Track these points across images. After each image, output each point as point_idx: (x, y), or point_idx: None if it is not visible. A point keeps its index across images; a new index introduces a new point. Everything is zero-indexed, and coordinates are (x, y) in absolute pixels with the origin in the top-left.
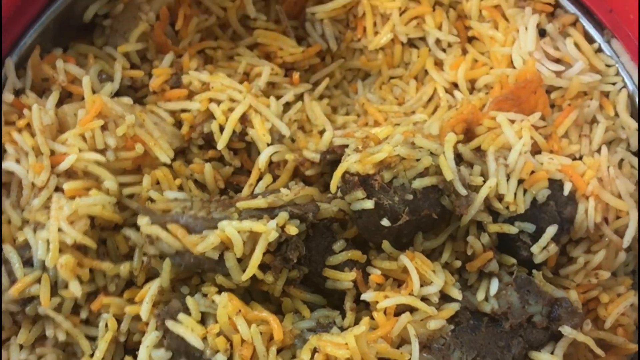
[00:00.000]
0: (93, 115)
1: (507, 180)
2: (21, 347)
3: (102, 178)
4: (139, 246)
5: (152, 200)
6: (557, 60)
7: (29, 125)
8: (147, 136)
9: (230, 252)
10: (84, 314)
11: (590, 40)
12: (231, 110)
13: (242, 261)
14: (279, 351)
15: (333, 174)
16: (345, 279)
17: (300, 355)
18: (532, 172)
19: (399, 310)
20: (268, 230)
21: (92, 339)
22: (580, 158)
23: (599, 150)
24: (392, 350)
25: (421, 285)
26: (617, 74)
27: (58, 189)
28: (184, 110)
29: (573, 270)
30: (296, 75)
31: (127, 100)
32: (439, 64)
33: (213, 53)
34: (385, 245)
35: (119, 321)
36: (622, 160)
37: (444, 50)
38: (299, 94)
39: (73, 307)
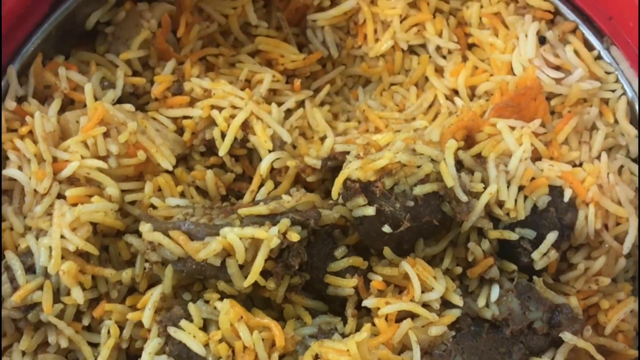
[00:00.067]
0: (95, 122)
1: (508, 186)
2: (23, 353)
3: (104, 185)
4: (141, 253)
5: (154, 207)
6: (557, 68)
7: (31, 133)
8: (149, 143)
9: (232, 258)
10: (86, 321)
11: (589, 47)
12: (233, 117)
13: (244, 268)
14: (280, 357)
15: (334, 181)
16: (347, 285)
17: None
18: (533, 178)
19: (400, 316)
20: (270, 236)
21: (95, 346)
22: (580, 165)
23: (598, 157)
24: (393, 357)
25: (422, 292)
26: (617, 81)
27: (60, 195)
28: (185, 117)
29: (573, 276)
30: (297, 82)
31: (129, 107)
32: (439, 71)
33: (215, 60)
34: (387, 251)
35: (121, 328)
36: (621, 167)
37: (444, 57)
38: (300, 101)
39: (75, 314)
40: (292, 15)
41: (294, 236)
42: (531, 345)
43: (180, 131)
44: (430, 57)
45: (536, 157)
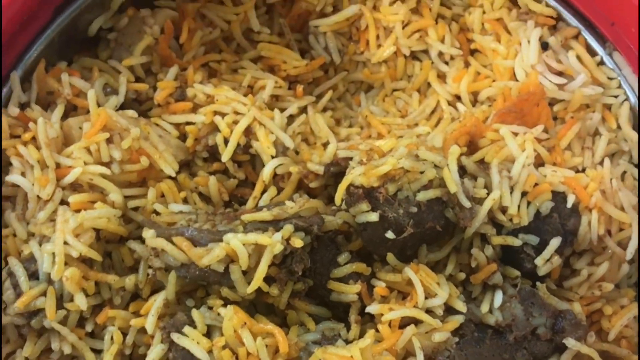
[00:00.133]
0: (98, 128)
1: (511, 192)
2: None
3: (107, 191)
4: (144, 259)
5: (157, 213)
6: (560, 73)
7: (34, 139)
8: (152, 149)
9: (235, 264)
10: (89, 327)
11: (592, 53)
12: (235, 122)
13: (247, 274)
14: None
15: (337, 187)
16: (350, 291)
17: None
18: (536, 184)
19: (404, 322)
20: (273, 242)
21: (98, 352)
22: (583, 170)
23: (601, 163)
24: None
25: (426, 298)
26: (619, 86)
27: (63, 202)
28: (188, 123)
29: (576, 282)
30: (300, 88)
31: (131, 113)
32: (441, 77)
33: (217, 66)
34: (390, 257)
35: (125, 334)
36: (624, 172)
37: (446, 63)
38: (303, 107)
39: (78, 320)
40: (295, 21)
41: (298, 242)
42: (535, 352)
43: (183, 137)
44: (432, 63)
45: (539, 162)
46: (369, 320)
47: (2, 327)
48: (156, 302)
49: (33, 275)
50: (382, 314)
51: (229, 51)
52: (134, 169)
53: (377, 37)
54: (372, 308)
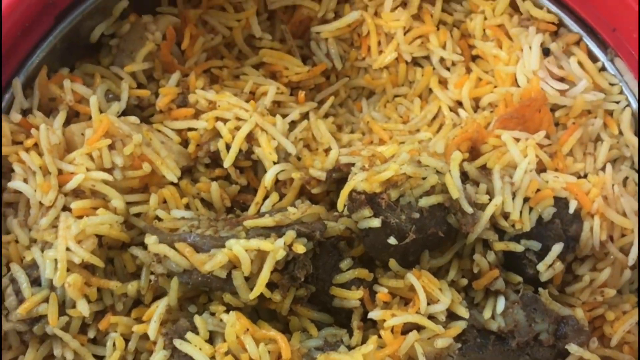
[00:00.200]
0: (100, 134)
1: (513, 198)
2: None
3: (109, 197)
4: (147, 265)
5: (159, 219)
6: (561, 79)
7: (36, 145)
8: (154, 155)
9: (238, 270)
10: (91, 333)
11: (593, 59)
12: (237, 128)
13: (250, 280)
14: None
15: (339, 193)
16: (353, 297)
17: None
18: (538, 190)
19: (406, 328)
20: (276, 248)
21: (100, 358)
22: (585, 176)
23: (603, 169)
24: None
25: (428, 304)
26: (621, 92)
27: (66, 208)
28: (190, 129)
29: (579, 288)
30: (302, 94)
31: (134, 119)
32: (443, 83)
33: (219, 72)
34: (392, 263)
35: (127, 340)
36: (626, 178)
37: (448, 69)
38: (305, 113)
39: (81, 327)
40: (296, 28)
41: (300, 248)
42: (537, 357)
43: (185, 143)
44: (434, 68)
45: (541, 168)
46: (371, 326)
47: (5, 333)
48: (158, 309)
49: (35, 282)
50: (384, 320)
51: (231, 57)
52: (136, 175)
53: (379, 43)
54: (375, 314)
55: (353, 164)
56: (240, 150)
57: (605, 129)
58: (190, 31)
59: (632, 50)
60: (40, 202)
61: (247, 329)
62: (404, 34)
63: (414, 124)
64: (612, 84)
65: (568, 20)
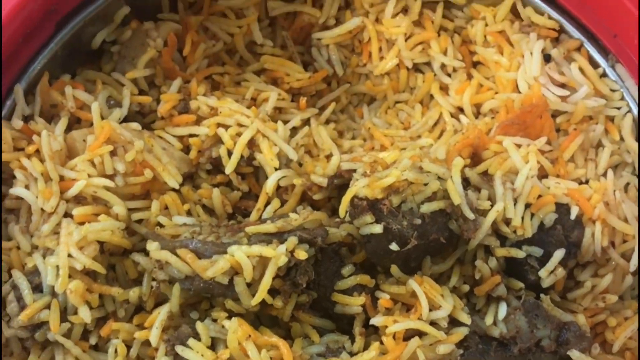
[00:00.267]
0: (102, 141)
1: (515, 204)
2: None
3: (111, 203)
4: (148, 271)
5: (161, 225)
6: (562, 85)
7: (38, 152)
8: (156, 161)
9: (239, 276)
10: (93, 340)
11: (594, 65)
12: (239, 135)
13: (252, 286)
14: None
15: (341, 199)
16: (354, 303)
17: None
18: (539, 196)
19: (408, 334)
20: (278, 254)
21: None
22: (587, 182)
23: (604, 174)
24: None
25: (430, 310)
26: (622, 98)
27: (67, 214)
28: (192, 135)
29: (580, 294)
30: (303, 100)
31: (135, 125)
32: (444, 89)
33: (220, 79)
34: (394, 269)
35: (129, 347)
36: (627, 184)
37: (449, 75)
38: (306, 119)
39: (82, 333)
40: (297, 34)
41: (302, 254)
42: None
43: (186, 149)
44: (435, 75)
45: (542, 174)
46: (373, 333)
47: (6, 340)
48: (160, 315)
49: (37, 288)
50: (386, 326)
51: (232, 64)
52: (138, 181)
53: (380, 49)
54: (377, 320)
55: (354, 170)
56: (241, 157)
57: (607, 135)
58: (192, 38)
59: (633, 56)
60: (41, 209)
61: (249, 335)
62: (405, 40)
63: (415, 130)
64: (613, 90)
65: (569, 27)
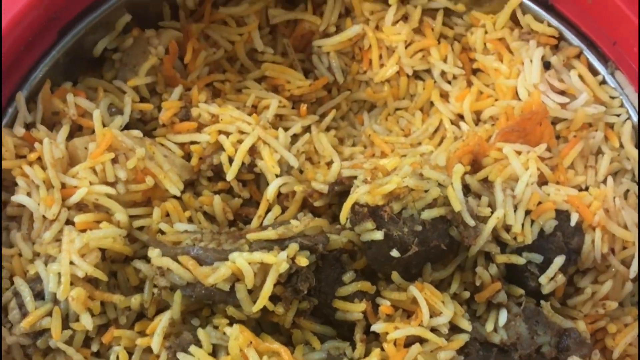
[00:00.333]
0: (103, 148)
1: (515, 211)
2: None
3: (112, 211)
4: (150, 278)
5: (162, 232)
6: (562, 92)
7: (40, 159)
8: (157, 169)
9: (241, 283)
10: (95, 347)
11: (594, 72)
12: (240, 142)
13: (253, 293)
14: None
15: (341, 205)
16: (355, 310)
17: None
18: (539, 203)
19: (409, 341)
20: (279, 261)
21: None
22: (587, 189)
23: (604, 181)
24: None
25: (431, 316)
26: (622, 105)
27: (69, 222)
28: (193, 143)
29: (581, 300)
30: (303, 108)
31: (137, 133)
32: (444, 96)
33: (221, 86)
34: (395, 276)
35: (130, 354)
36: (627, 191)
37: (449, 82)
38: (307, 126)
39: (84, 340)
40: (298, 42)
41: (303, 261)
42: None
43: (187, 157)
44: (435, 82)
45: (542, 181)
46: (374, 339)
47: (8, 347)
48: (162, 322)
49: (39, 295)
50: (387, 333)
51: (233, 71)
52: (139, 188)
53: (380, 56)
54: (377, 327)
55: (355, 177)
56: (242, 164)
57: (606, 141)
58: (193, 45)
59: (632, 63)
60: (43, 216)
61: (251, 342)
62: (405, 48)
63: (416, 137)
64: (612, 97)
65: (568, 34)
